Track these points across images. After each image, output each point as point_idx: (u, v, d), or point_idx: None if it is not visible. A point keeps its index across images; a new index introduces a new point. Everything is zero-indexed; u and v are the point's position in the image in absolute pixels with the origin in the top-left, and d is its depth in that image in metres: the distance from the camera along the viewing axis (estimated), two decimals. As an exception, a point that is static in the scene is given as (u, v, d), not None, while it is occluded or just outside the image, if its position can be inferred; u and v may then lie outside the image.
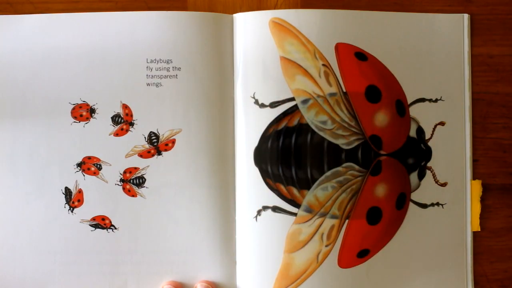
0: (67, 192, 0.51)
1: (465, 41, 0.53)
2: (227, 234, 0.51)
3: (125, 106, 0.51)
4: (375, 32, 0.52)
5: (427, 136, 0.53)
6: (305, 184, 0.51)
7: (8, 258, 0.51)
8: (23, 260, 0.51)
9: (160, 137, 0.51)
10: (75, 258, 0.51)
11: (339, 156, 0.51)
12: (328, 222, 0.51)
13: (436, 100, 0.53)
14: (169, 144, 0.51)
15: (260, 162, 0.51)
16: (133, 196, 0.51)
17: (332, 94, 0.51)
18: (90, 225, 0.51)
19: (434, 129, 0.53)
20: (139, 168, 0.51)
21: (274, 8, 0.53)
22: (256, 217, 0.51)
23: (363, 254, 0.52)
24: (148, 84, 0.51)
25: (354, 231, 0.51)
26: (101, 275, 0.51)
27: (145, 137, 0.51)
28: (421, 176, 0.53)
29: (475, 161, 0.54)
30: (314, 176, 0.51)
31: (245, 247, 0.51)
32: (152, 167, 0.51)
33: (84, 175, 0.51)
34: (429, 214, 0.53)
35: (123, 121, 0.51)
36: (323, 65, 0.51)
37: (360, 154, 0.51)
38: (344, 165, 0.51)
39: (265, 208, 0.51)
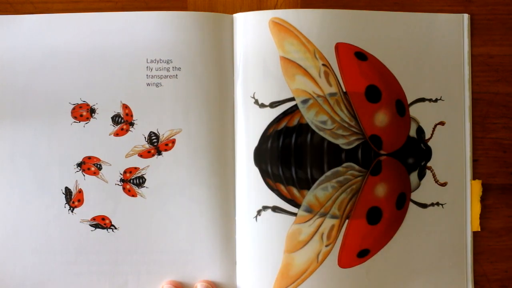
0: (67, 192, 0.51)
1: (465, 41, 0.53)
2: (227, 234, 0.51)
3: (125, 106, 0.51)
4: (375, 32, 0.52)
5: (427, 136, 0.53)
6: (305, 184, 0.51)
7: (8, 258, 0.51)
8: (23, 260, 0.51)
9: (160, 137, 0.51)
10: (75, 258, 0.51)
11: (339, 156, 0.51)
12: (328, 222, 0.51)
13: (436, 100, 0.53)
14: (169, 144, 0.51)
15: (260, 162, 0.51)
16: (133, 196, 0.51)
17: (332, 94, 0.51)
18: (90, 225, 0.51)
19: (434, 129, 0.53)
20: (139, 168, 0.51)
21: (274, 8, 0.53)
22: (256, 217, 0.51)
23: (363, 254, 0.52)
24: (148, 84, 0.51)
25: (354, 231, 0.51)
26: (101, 275, 0.51)
27: (145, 137, 0.51)
28: (421, 176, 0.53)
29: (475, 161, 0.54)
30: (314, 176, 0.51)
31: (245, 247, 0.51)
32: (152, 167, 0.51)
33: (84, 175, 0.51)
34: (429, 214, 0.53)
35: (123, 121, 0.51)
36: (323, 65, 0.51)
37: (360, 154, 0.51)
38: (344, 165, 0.51)
39: (265, 208, 0.51)
